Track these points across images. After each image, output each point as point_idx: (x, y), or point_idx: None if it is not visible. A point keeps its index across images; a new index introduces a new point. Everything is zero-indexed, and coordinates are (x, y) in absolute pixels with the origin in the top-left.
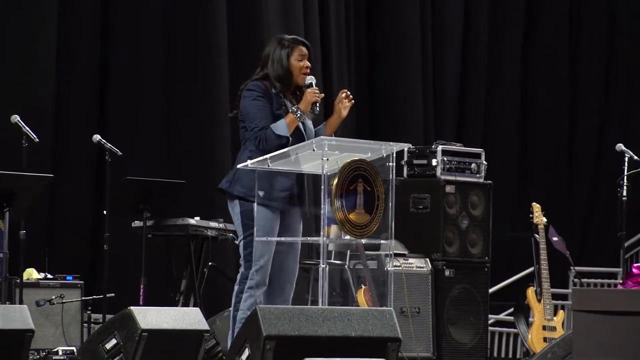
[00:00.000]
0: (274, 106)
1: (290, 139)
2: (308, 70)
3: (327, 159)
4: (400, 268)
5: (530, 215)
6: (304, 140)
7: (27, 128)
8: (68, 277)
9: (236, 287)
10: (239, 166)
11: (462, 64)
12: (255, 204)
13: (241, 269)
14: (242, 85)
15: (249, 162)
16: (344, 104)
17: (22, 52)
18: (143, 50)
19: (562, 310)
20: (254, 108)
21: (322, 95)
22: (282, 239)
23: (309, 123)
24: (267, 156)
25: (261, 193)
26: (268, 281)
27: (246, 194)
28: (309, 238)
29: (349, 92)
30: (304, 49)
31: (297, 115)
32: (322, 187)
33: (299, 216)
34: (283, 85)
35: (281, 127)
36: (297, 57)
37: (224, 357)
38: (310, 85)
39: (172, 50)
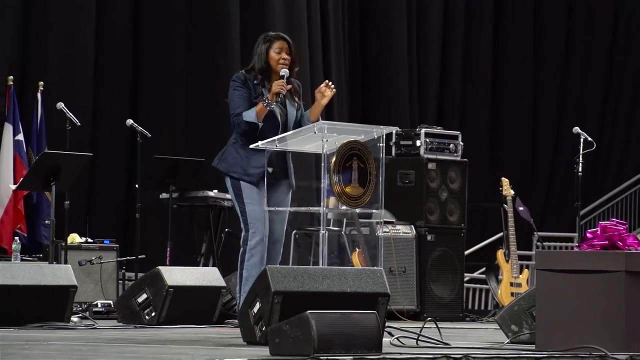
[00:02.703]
0: (252, 95)
1: (260, 124)
2: (285, 62)
3: (327, 140)
4: (389, 233)
5: (500, 188)
6: (278, 125)
7: (70, 114)
8: (105, 241)
9: (241, 249)
10: (252, 146)
11: (441, 59)
12: (234, 179)
13: (242, 233)
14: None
15: (259, 143)
16: (323, 92)
17: (66, 51)
18: (168, 50)
19: (526, 269)
20: (234, 97)
21: (289, 87)
22: (274, 208)
23: (292, 109)
24: (275, 138)
25: (269, 169)
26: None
27: (228, 169)
28: (310, 208)
29: (329, 83)
30: (283, 43)
31: (265, 104)
32: (322, 164)
33: (286, 188)
34: (263, 77)
35: (249, 114)
36: (275, 49)
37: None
38: (282, 77)
39: (193, 48)
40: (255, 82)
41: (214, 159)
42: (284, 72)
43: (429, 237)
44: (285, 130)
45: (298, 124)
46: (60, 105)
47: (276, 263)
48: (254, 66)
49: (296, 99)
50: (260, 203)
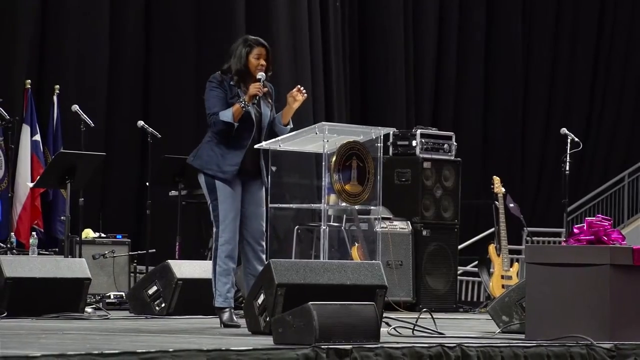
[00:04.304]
0: (228, 95)
1: (236, 124)
2: (262, 68)
3: (327, 141)
4: (387, 229)
5: (492, 186)
6: (253, 126)
7: (85, 115)
8: (118, 236)
9: (213, 245)
10: (257, 146)
11: (436, 64)
12: (208, 177)
13: (214, 229)
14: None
15: (263, 143)
16: (295, 97)
17: (80, 56)
18: (177, 56)
19: (517, 263)
20: (210, 97)
21: (265, 89)
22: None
23: (266, 111)
24: (279, 138)
25: (273, 168)
26: (241, 240)
27: (203, 167)
28: (312, 205)
29: (301, 88)
30: (262, 50)
31: (242, 105)
32: (323, 163)
33: (259, 187)
34: (240, 79)
35: (226, 114)
36: (255, 55)
37: (243, 301)
38: (259, 80)
39: (202, 54)
40: (231, 83)
41: (189, 155)
42: (261, 75)
43: (424, 232)
44: (259, 129)
45: (270, 124)
46: (75, 107)
47: (262, 264)
48: (231, 67)
49: (269, 101)
50: (233, 201)
